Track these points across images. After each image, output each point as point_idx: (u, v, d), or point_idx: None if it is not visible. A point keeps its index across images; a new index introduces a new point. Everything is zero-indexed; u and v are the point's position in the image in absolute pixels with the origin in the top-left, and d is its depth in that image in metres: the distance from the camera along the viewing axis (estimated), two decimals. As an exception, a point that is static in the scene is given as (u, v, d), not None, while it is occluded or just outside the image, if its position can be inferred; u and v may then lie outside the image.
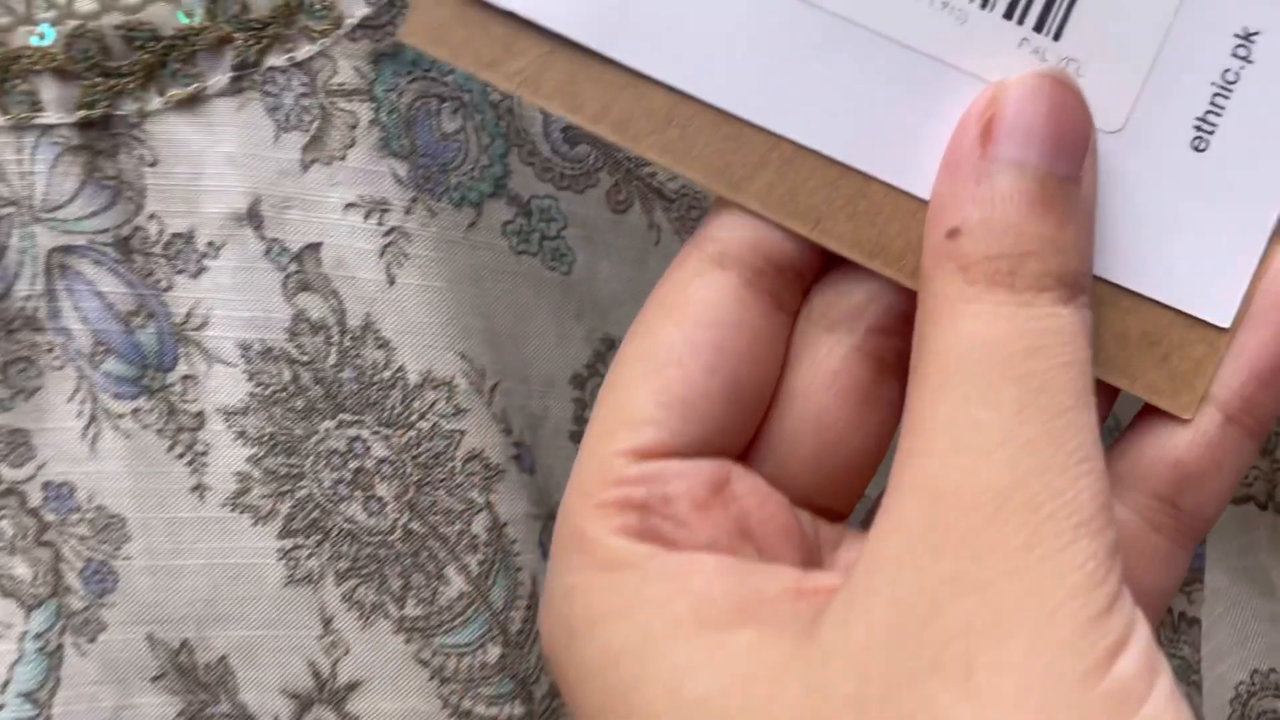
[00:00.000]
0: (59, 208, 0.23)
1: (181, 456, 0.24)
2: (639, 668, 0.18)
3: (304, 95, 0.23)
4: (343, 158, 0.23)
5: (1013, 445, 0.17)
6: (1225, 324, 0.20)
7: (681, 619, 0.18)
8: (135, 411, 0.24)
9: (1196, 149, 0.20)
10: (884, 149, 0.20)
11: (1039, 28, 0.19)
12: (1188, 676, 0.24)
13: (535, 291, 0.25)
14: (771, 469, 0.20)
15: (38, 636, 0.24)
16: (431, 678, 0.25)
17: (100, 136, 0.23)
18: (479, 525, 0.25)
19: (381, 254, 0.24)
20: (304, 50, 0.23)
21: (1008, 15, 0.20)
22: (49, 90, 0.23)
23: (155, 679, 0.24)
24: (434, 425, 0.24)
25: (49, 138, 0.23)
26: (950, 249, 0.18)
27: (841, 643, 0.17)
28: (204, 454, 0.24)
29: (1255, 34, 0.20)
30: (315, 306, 0.24)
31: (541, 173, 0.25)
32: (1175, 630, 0.24)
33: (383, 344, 0.24)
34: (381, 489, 0.24)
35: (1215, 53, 0.20)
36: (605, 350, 0.26)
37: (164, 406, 0.24)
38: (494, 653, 0.25)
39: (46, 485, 0.24)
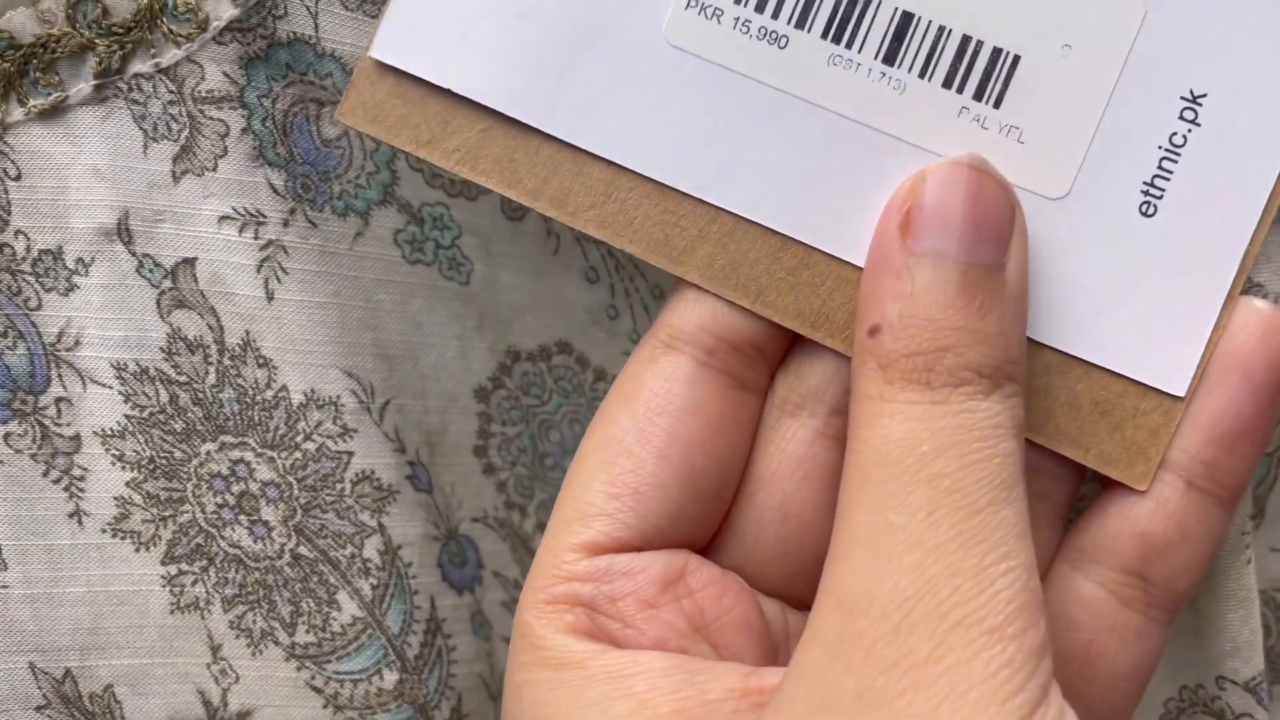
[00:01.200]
0: (-83, 225, 0.22)
1: (58, 481, 0.23)
2: None
3: (171, 103, 0.22)
4: (214, 168, 0.22)
5: (921, 550, 0.16)
6: (1180, 392, 0.19)
7: None
8: (7, 436, 0.23)
9: (1145, 214, 0.19)
10: (825, 220, 0.19)
11: (979, 96, 0.19)
12: None
13: (432, 302, 0.24)
14: (738, 558, 0.20)
15: (-84, 668, 0.23)
16: (325, 705, 0.24)
17: (-41, 149, 0.22)
18: (371, 549, 0.23)
19: (259, 269, 0.23)
20: (169, 55, 0.22)
21: (947, 84, 0.19)
22: (-102, 102, 0.21)
23: (39, 709, 0.23)
24: (320, 446, 0.23)
25: (-97, 152, 0.21)
26: (872, 347, 0.17)
27: None
28: (81, 479, 0.23)
29: (1202, 96, 0.19)
30: (191, 325, 0.23)
31: (431, 179, 0.23)
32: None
33: (264, 363, 0.23)
34: (267, 513, 0.23)
35: (1162, 116, 0.19)
36: (510, 362, 0.25)
37: (37, 430, 0.23)
38: (390, 679, 0.24)
39: (-82, 513, 0.23)
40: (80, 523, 0.23)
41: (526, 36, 0.19)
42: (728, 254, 0.19)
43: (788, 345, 0.20)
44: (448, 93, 0.20)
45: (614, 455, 0.19)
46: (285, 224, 0.22)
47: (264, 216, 0.22)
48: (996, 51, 0.19)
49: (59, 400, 0.23)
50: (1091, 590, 0.19)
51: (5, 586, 0.23)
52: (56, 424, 0.23)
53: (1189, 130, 0.19)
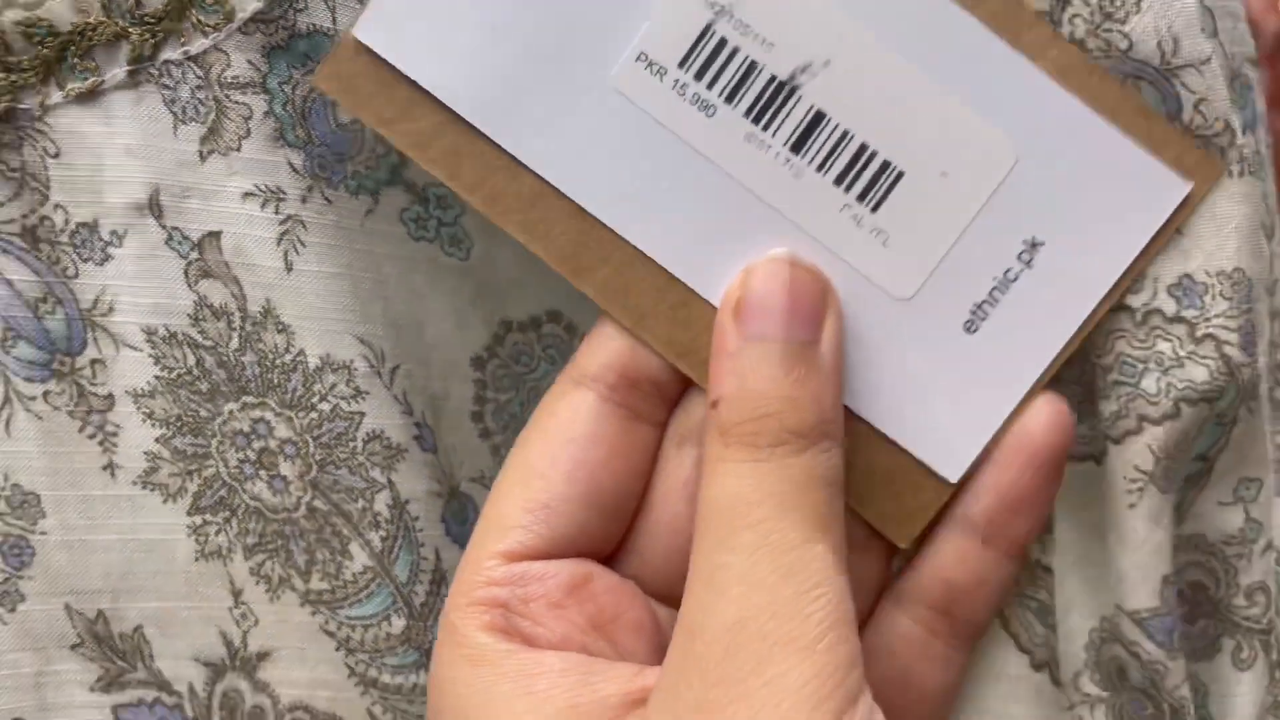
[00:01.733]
0: (-35, 199, 0.23)
1: (92, 437, 0.25)
2: None
3: (199, 88, 0.23)
4: (238, 148, 0.24)
5: (746, 584, 0.19)
6: (953, 479, 0.22)
7: (521, 718, 0.20)
8: (46, 394, 0.24)
9: (968, 330, 0.22)
10: (711, 271, 0.22)
11: (862, 198, 0.21)
12: (1046, 619, 0.25)
13: (433, 276, 0.25)
14: (636, 568, 0.23)
15: (-40, 608, 0.24)
16: (338, 648, 0.25)
17: (3, 130, 0.23)
18: (381, 503, 0.25)
19: (279, 241, 0.24)
20: (197, 44, 0.23)
21: (838, 182, 0.21)
22: (-51, 85, 0.23)
23: (74, 647, 0.25)
24: (334, 407, 0.25)
25: (-48, 131, 0.23)
26: (714, 418, 0.21)
27: None
28: (114, 434, 0.25)
29: (1040, 244, 0.22)
30: (216, 293, 0.24)
31: (439, 161, 0.25)
32: (1033, 576, 0.25)
33: (283, 329, 0.24)
34: (285, 468, 0.25)
35: (1002, 252, 0.22)
36: (504, 333, 0.26)
37: (74, 389, 0.24)
38: (398, 624, 0.25)
39: (-37, 464, 0.24)
40: (113, 475, 0.25)
41: (494, 50, 0.21)
42: (623, 279, 0.22)
43: (683, 385, 0.22)
44: (414, 83, 0.21)
45: (529, 476, 0.22)
46: (303, 200, 0.24)
47: (284, 193, 0.24)
48: (885, 164, 0.21)
49: (94, 362, 0.24)
50: (908, 625, 0.23)
51: (44, 533, 0.24)
52: (92, 384, 0.24)
53: (1021, 270, 0.22)
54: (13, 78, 0.23)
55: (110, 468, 0.25)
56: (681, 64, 0.21)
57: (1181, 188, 0.21)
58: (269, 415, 0.25)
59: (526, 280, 0.26)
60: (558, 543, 0.21)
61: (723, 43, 0.21)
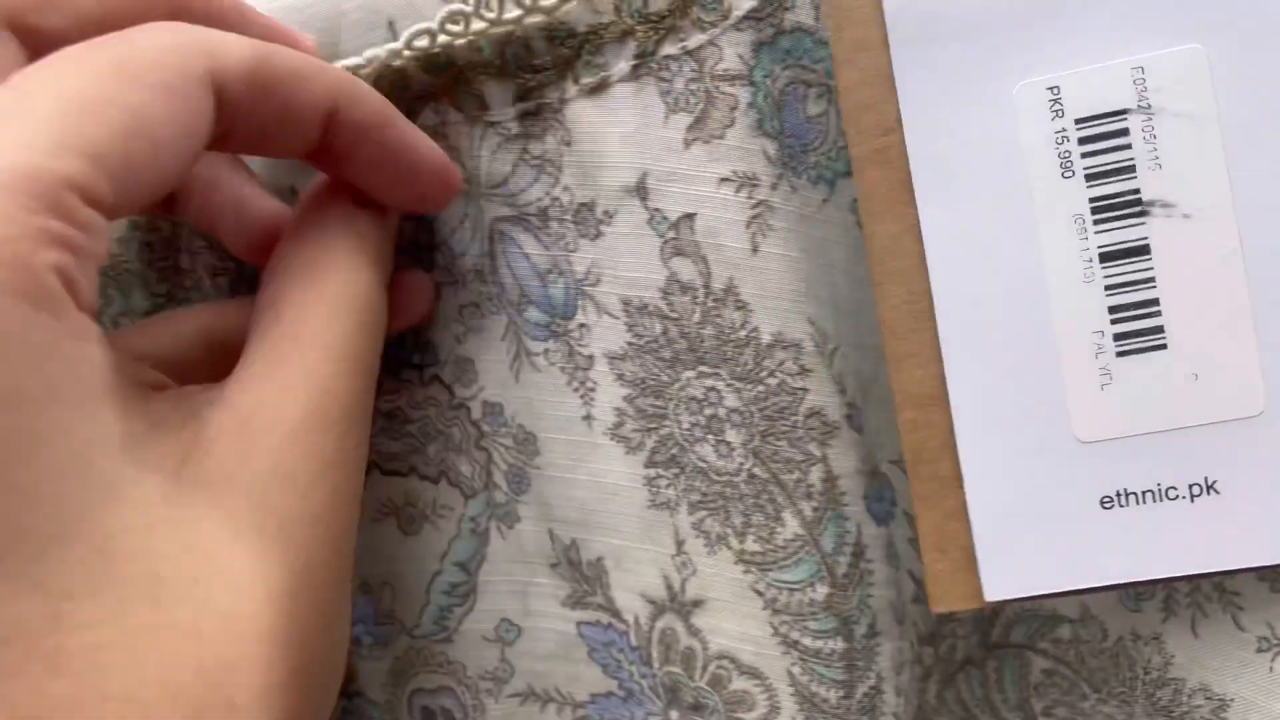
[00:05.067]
0: (498, 185, 0.25)
1: (576, 390, 0.26)
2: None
3: (693, 80, 0.23)
4: (721, 137, 0.23)
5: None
6: (987, 598, 0.21)
7: (94, 391, 0.15)
8: (546, 351, 0.26)
9: (1103, 505, 0.20)
10: (954, 280, 0.21)
11: (1119, 338, 0.20)
12: None
13: (885, 265, 0.24)
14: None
15: (472, 520, 0.27)
16: (765, 607, 0.25)
17: (533, 123, 0.25)
18: (815, 475, 0.24)
19: (748, 225, 0.24)
20: (695, 40, 0.23)
21: (1113, 310, 0.20)
22: (491, 91, 0.25)
23: (553, 566, 0.26)
24: (781, 382, 0.24)
25: (493, 130, 0.25)
26: None
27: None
28: (592, 390, 0.25)
29: (1211, 486, 0.20)
30: (685, 270, 0.24)
31: (901, 152, 0.23)
32: None
33: (741, 306, 0.24)
34: (731, 435, 0.24)
35: (1176, 473, 0.20)
36: (953, 325, 0.24)
37: (566, 349, 0.26)
38: (822, 592, 0.24)
39: (484, 404, 0.26)
40: (589, 425, 0.26)
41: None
42: (899, 245, 0.21)
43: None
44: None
45: (92, 104, 0.16)
46: (773, 187, 0.23)
47: (758, 180, 0.23)
48: (1159, 329, 0.19)
49: (581, 326, 0.25)
50: None
51: (538, 468, 0.26)
52: (579, 345, 0.25)
53: (1179, 498, 0.20)
54: (538, 77, 0.24)
55: (588, 418, 0.26)
56: (1080, 121, 0.20)
57: None
58: (720, 385, 0.24)
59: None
60: (116, 197, 0.16)
61: (1124, 132, 0.19)
